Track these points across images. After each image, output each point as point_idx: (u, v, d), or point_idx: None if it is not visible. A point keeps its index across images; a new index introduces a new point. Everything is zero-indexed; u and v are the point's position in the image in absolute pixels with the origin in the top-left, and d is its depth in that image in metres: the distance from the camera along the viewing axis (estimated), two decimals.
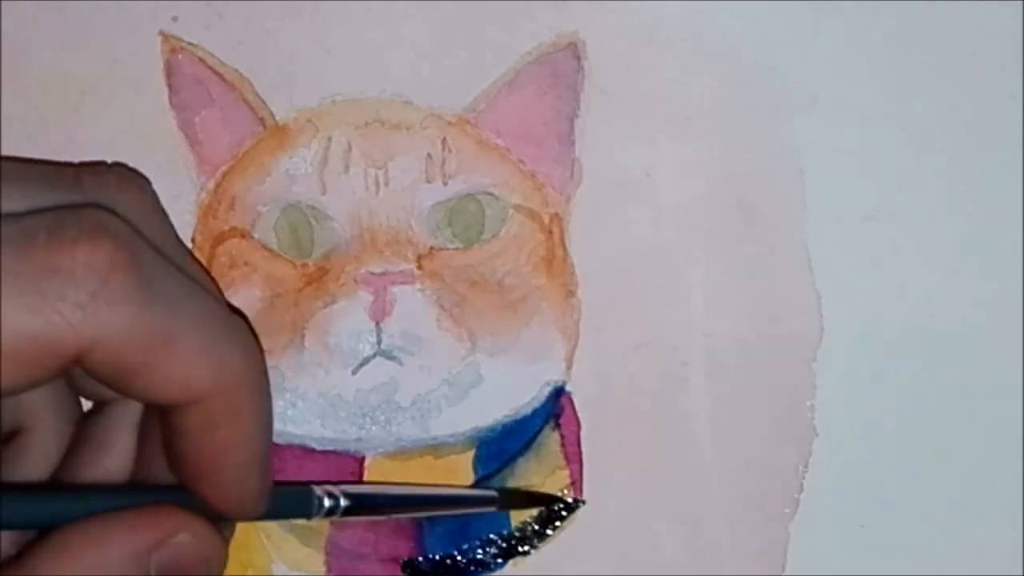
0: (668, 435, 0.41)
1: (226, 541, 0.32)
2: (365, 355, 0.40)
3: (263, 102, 0.41)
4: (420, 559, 0.41)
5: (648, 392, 0.41)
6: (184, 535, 0.31)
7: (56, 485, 0.34)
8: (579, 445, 0.41)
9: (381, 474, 0.41)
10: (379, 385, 0.40)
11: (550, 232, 0.41)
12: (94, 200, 0.30)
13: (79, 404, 0.35)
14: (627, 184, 0.41)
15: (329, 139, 0.41)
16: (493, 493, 0.40)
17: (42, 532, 0.30)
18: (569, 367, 0.41)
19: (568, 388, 0.41)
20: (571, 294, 0.41)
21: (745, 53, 0.41)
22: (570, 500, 0.41)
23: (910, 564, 0.41)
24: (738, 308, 0.41)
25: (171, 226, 0.34)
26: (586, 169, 0.41)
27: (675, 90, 0.41)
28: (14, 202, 0.29)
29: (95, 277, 0.27)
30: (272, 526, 0.41)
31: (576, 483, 0.41)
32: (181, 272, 0.30)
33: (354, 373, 0.40)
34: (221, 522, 0.32)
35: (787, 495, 0.41)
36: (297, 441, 0.41)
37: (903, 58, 0.41)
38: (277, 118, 0.41)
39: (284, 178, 0.41)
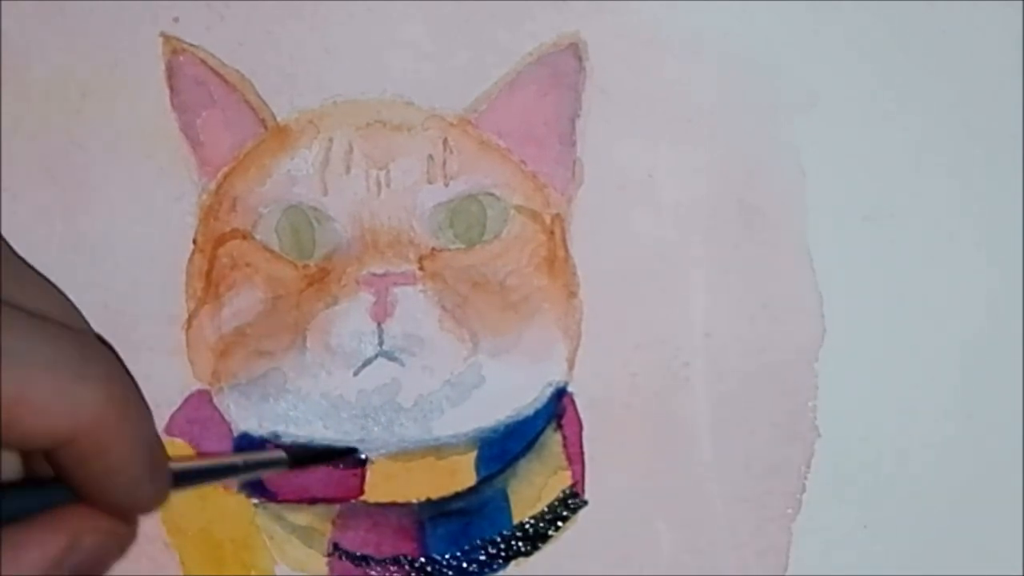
0: (670, 435, 0.41)
1: (134, 520, 0.33)
2: (367, 356, 0.40)
3: (264, 103, 0.41)
4: (423, 559, 0.41)
5: (650, 392, 0.41)
6: (90, 537, 0.31)
7: None
8: (581, 445, 0.41)
9: (383, 475, 0.41)
10: (381, 386, 0.40)
11: (552, 233, 0.41)
12: None
13: None
14: (628, 185, 0.41)
15: (330, 140, 0.41)
16: (282, 454, 0.39)
17: None
18: (571, 368, 0.41)
19: (570, 389, 0.41)
20: (573, 295, 0.41)
21: (745, 53, 0.41)
22: (362, 457, 0.40)
23: (912, 564, 0.41)
24: (739, 308, 0.41)
25: (10, 251, 0.33)
26: (587, 170, 0.41)
27: (676, 90, 0.41)
28: None
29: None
30: (275, 527, 0.41)
31: (578, 483, 0.41)
32: (21, 314, 0.30)
33: (356, 374, 0.40)
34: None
35: (790, 495, 0.41)
36: (300, 442, 0.41)
37: (903, 58, 0.41)
38: (278, 119, 0.41)
39: (285, 179, 0.41)
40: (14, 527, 0.31)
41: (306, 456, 0.40)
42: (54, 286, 0.34)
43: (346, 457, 0.40)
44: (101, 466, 0.31)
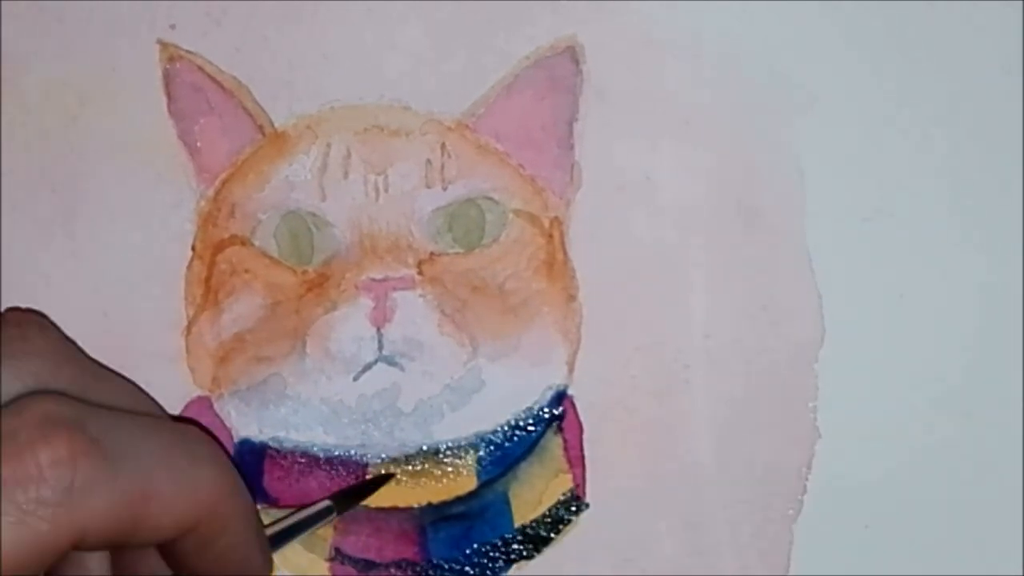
0: (670, 437, 0.41)
1: None
2: (367, 361, 0.40)
3: (262, 109, 0.41)
4: (424, 564, 0.41)
5: (650, 394, 0.41)
6: None
7: None
8: (581, 448, 0.41)
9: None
10: (381, 391, 0.40)
11: (550, 236, 0.41)
12: (7, 362, 0.31)
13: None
14: (627, 187, 0.41)
15: (328, 145, 0.40)
16: (327, 503, 0.39)
17: None
18: (571, 370, 0.41)
19: (570, 391, 0.41)
20: (572, 298, 0.41)
21: (744, 55, 0.41)
22: (390, 473, 0.41)
23: (913, 564, 0.41)
24: (739, 310, 0.41)
25: (81, 352, 0.33)
26: (585, 173, 0.41)
27: (674, 92, 0.41)
28: None
29: (64, 472, 0.28)
30: None
31: (579, 486, 0.41)
32: (123, 413, 0.30)
33: (356, 379, 0.40)
34: None
35: (790, 496, 0.41)
36: (300, 448, 0.41)
37: (903, 58, 0.41)
38: (276, 125, 0.41)
39: (284, 185, 0.41)
40: None
41: (349, 497, 0.40)
42: (125, 378, 0.34)
43: (383, 484, 0.41)
44: (222, 545, 0.31)
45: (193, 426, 0.32)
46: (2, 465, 0.27)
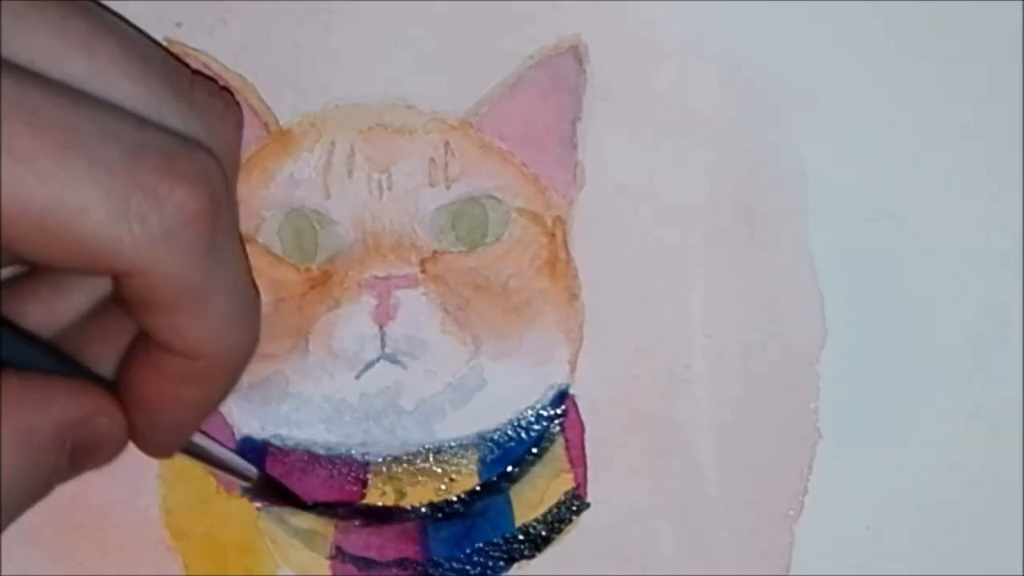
0: (672, 437, 0.41)
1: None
2: (369, 359, 0.40)
3: (267, 107, 0.41)
4: (426, 562, 0.41)
5: (651, 394, 0.41)
6: (103, 419, 0.31)
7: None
8: (583, 447, 0.41)
9: (386, 478, 0.41)
10: (383, 389, 0.40)
11: (553, 235, 0.41)
12: (198, 116, 0.32)
13: None
14: (629, 187, 0.41)
15: (332, 144, 0.41)
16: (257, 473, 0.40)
17: None
18: (573, 370, 0.41)
19: (572, 391, 0.41)
20: (574, 297, 0.41)
21: (746, 55, 0.41)
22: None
23: (913, 565, 0.41)
24: (741, 310, 0.41)
25: (236, 174, 0.35)
26: (588, 172, 0.41)
27: (676, 92, 0.41)
28: (132, 80, 0.30)
29: (180, 218, 0.28)
30: (277, 531, 0.41)
31: (580, 486, 0.41)
32: (237, 234, 0.31)
33: (358, 377, 0.40)
34: None
35: (791, 497, 0.41)
36: (302, 446, 0.41)
37: (903, 58, 0.41)
38: (281, 123, 0.41)
39: (288, 183, 0.41)
40: (43, 381, 0.30)
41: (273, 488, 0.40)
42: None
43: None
44: (190, 393, 0.31)
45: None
46: (148, 171, 0.28)
